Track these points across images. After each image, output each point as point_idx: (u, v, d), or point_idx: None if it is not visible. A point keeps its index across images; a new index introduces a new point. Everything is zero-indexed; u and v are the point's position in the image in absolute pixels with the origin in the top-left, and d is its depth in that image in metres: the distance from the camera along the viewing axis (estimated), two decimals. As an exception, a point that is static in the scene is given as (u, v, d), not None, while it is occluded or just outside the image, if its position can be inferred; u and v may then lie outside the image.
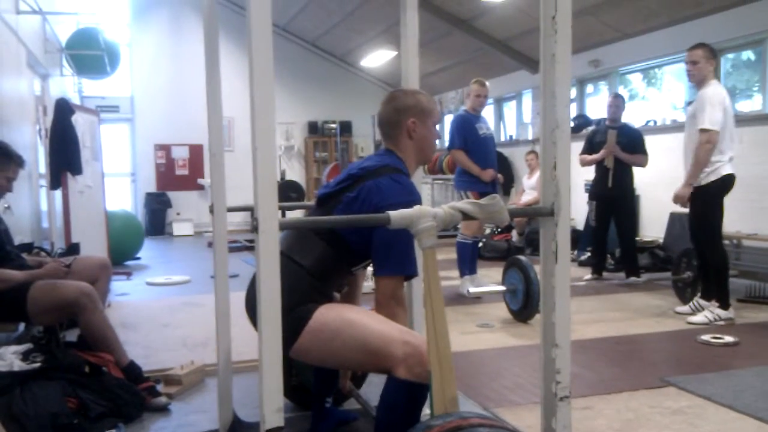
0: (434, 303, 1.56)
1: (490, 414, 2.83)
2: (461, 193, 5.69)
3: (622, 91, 8.80)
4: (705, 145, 4.23)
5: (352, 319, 1.96)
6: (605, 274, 6.25)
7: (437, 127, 2.28)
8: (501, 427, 1.46)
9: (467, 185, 5.66)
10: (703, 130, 4.23)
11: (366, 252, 2.10)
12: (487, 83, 5.81)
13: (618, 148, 5.86)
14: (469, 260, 5.69)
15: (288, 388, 2.80)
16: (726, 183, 4.36)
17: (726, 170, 4.34)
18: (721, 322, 4.42)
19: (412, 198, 2.04)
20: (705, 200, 4.36)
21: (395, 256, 2.01)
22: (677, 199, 4.41)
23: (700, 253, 4.65)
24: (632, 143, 5.93)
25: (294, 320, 1.94)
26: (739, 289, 5.17)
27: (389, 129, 2.21)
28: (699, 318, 4.44)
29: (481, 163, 5.57)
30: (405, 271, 2.04)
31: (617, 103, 6.12)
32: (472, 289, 5.17)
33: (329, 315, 1.98)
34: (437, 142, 2.32)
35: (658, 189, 7.25)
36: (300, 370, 2.88)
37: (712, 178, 4.32)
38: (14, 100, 5.46)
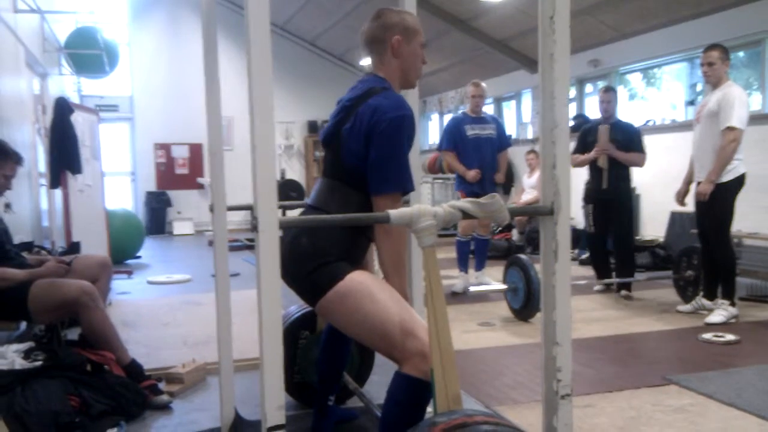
0: (436, 302, 1.56)
1: (493, 412, 2.83)
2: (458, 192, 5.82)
3: (621, 90, 8.80)
4: (732, 143, 4.24)
5: (378, 298, 1.95)
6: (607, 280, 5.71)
7: (423, 48, 2.20)
8: (505, 425, 1.46)
9: (457, 185, 5.86)
10: (731, 129, 4.23)
11: None
12: (483, 84, 5.79)
13: (612, 146, 5.36)
14: (461, 258, 5.79)
15: (291, 385, 2.81)
16: (741, 182, 4.39)
17: (742, 169, 4.37)
18: (734, 320, 4.43)
19: (403, 111, 2.01)
20: (724, 198, 4.36)
21: (392, 172, 1.99)
22: (700, 196, 4.37)
23: (706, 252, 4.64)
24: (628, 141, 5.42)
25: (327, 274, 1.96)
26: (740, 288, 5.17)
27: (374, 46, 2.16)
28: (716, 318, 4.42)
29: (468, 163, 5.64)
30: (402, 188, 2.01)
31: (608, 97, 5.54)
32: (474, 288, 5.17)
33: (359, 286, 1.97)
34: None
35: (658, 188, 7.25)
36: (303, 368, 2.89)
37: (731, 176, 4.33)
38: (13, 100, 5.46)
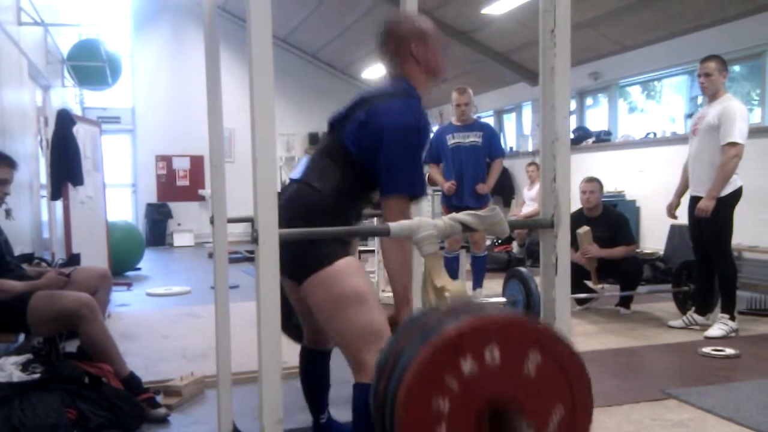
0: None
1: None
2: None
3: (621, 103, 8.83)
4: (734, 159, 4.21)
5: (367, 299, 1.96)
6: (606, 285, 5.63)
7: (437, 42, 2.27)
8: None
9: (441, 199, 5.65)
10: (733, 144, 4.19)
11: None
12: (469, 90, 5.49)
13: (595, 248, 5.06)
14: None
15: (289, 325, 2.72)
16: (739, 194, 4.37)
17: (739, 182, 4.35)
18: (733, 334, 4.41)
19: (419, 122, 2.04)
20: (722, 211, 4.32)
21: (402, 176, 2.00)
22: (701, 212, 4.30)
23: (705, 266, 4.59)
24: (613, 234, 5.12)
25: (317, 255, 1.95)
26: (740, 302, 5.15)
27: (396, 59, 2.18)
28: (715, 332, 4.39)
29: (448, 174, 5.44)
30: (410, 191, 2.02)
31: (591, 187, 5.18)
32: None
33: (348, 279, 1.95)
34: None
35: (658, 201, 7.24)
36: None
37: (729, 189, 4.31)
38: (16, 111, 5.48)
